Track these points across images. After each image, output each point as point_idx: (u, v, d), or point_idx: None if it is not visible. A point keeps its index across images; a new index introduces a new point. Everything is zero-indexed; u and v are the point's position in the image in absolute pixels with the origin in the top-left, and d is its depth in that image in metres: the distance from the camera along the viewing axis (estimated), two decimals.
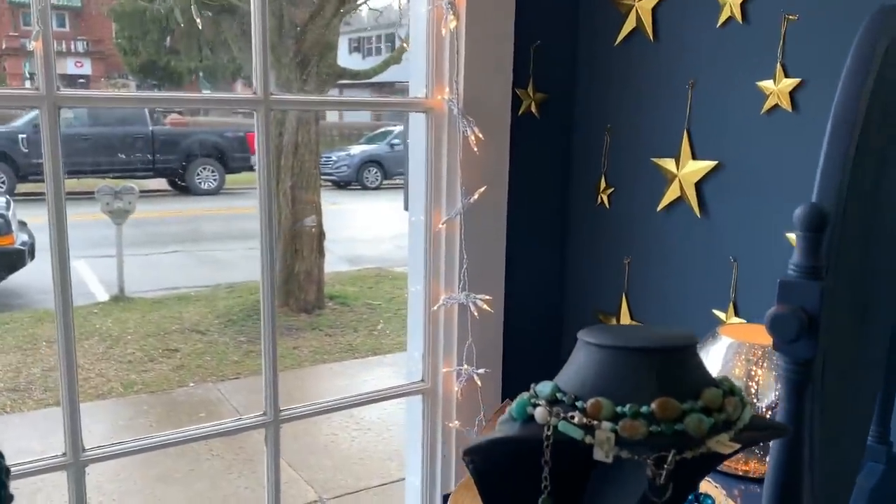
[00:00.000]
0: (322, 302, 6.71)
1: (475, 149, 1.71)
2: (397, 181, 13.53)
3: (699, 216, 1.67)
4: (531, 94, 1.86)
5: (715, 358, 1.21)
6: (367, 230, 10.11)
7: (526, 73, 1.85)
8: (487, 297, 1.72)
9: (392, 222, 10.31)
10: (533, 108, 1.87)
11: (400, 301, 6.87)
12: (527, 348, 1.98)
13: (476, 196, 1.72)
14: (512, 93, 1.82)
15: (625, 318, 1.86)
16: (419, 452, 1.92)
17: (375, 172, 13.59)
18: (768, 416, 1.14)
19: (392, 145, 13.79)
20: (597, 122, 1.89)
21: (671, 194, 1.72)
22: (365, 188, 13.45)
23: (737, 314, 1.63)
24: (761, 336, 1.29)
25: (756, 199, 1.58)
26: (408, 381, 1.92)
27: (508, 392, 1.92)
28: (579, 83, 1.93)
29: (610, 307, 1.90)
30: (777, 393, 1.13)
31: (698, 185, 1.67)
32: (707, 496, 0.93)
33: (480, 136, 1.70)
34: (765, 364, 1.15)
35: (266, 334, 1.62)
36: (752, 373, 1.15)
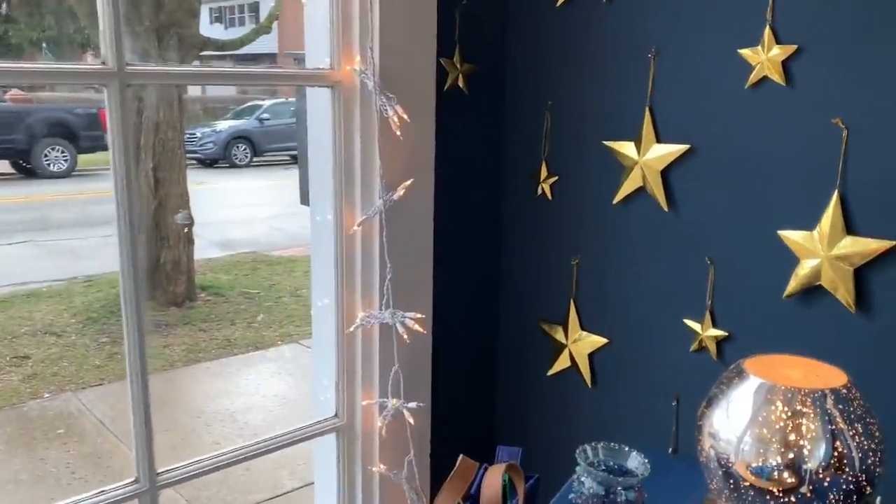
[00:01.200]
0: (193, 293, 6.16)
1: (398, 132, 1.37)
2: (268, 158, 12.86)
3: (666, 210, 1.41)
4: (458, 65, 1.53)
5: (743, 404, 0.95)
6: (239, 211, 9.48)
7: (451, 39, 1.52)
8: (419, 316, 1.40)
9: (266, 202, 9.73)
10: (461, 83, 1.54)
11: (280, 288, 6.42)
12: (459, 371, 1.67)
13: (401, 191, 1.38)
14: (437, 64, 1.48)
15: (573, 328, 1.58)
16: (334, 502, 1.58)
17: (244, 149, 12.85)
18: (823, 480, 0.89)
19: (261, 120, 13.07)
20: (536, 98, 1.59)
21: (630, 184, 1.45)
22: (234, 166, 12.69)
23: (714, 325, 1.39)
24: (800, 369, 1.04)
25: (738, 190, 1.33)
26: (317, 416, 1.57)
27: (441, 427, 1.61)
28: (514, 52, 1.62)
29: (555, 316, 1.62)
30: (828, 450, 0.89)
31: (665, 174, 1.41)
32: None
33: (405, 116, 1.36)
34: (814, 413, 0.90)
35: (134, 370, 1.23)
36: (794, 423, 0.90)
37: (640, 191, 1.44)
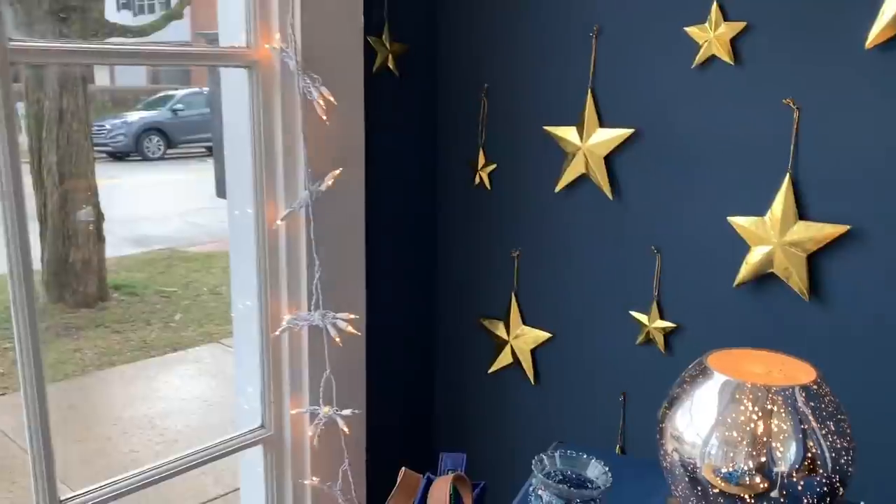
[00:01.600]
0: (105, 293, 5.86)
1: (324, 117, 1.25)
2: (183, 150, 12.39)
3: (611, 198, 1.35)
4: (387, 45, 1.43)
5: (707, 404, 0.88)
6: (153, 206, 9.09)
7: (380, 16, 1.41)
8: (351, 317, 1.29)
9: (182, 196, 9.36)
10: (390, 63, 1.43)
11: (199, 286, 6.17)
12: (396, 373, 1.57)
13: (329, 181, 1.26)
14: (364, 43, 1.37)
15: (515, 323, 1.50)
16: None
17: (157, 141, 12.34)
18: (797, 483, 0.83)
19: (175, 111, 12.57)
20: (470, 81, 1.49)
21: (573, 171, 1.37)
22: (147, 159, 12.17)
23: (662, 316, 1.33)
24: (764, 363, 0.98)
25: (685, 176, 1.27)
26: (242, 427, 1.44)
27: (378, 434, 1.51)
28: (446, 31, 1.52)
29: (496, 311, 1.53)
30: (799, 451, 0.83)
31: (609, 160, 1.34)
32: None
33: (331, 98, 1.24)
34: (785, 411, 0.84)
35: (28, 382, 1.09)
36: (764, 423, 0.83)
37: (583, 178, 1.37)
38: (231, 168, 1.39)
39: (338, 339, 1.29)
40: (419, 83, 1.51)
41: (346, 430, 1.33)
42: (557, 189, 1.39)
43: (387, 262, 1.50)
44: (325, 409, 1.35)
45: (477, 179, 1.50)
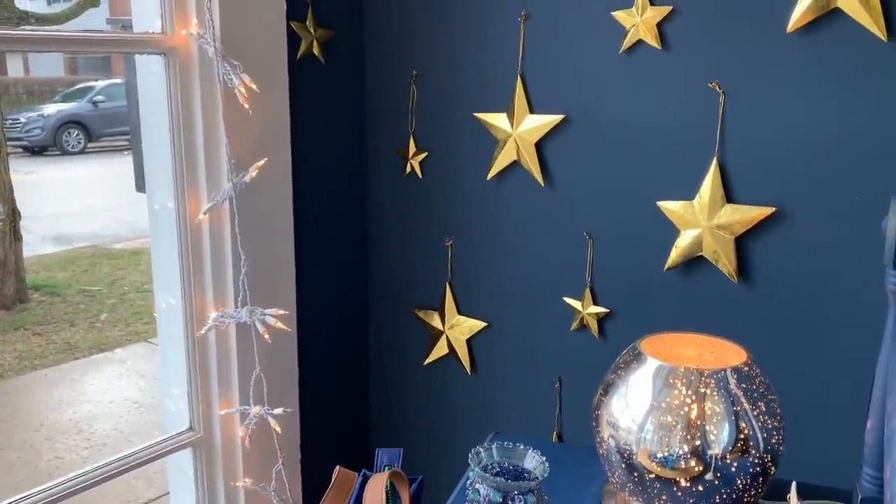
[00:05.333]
0: (24, 294, 5.61)
1: (246, 105, 1.20)
2: (105, 144, 11.94)
3: (542, 184, 1.34)
4: (312, 30, 1.38)
5: (642, 389, 0.88)
6: (74, 202, 8.74)
7: (303, 1, 1.36)
8: (281, 312, 1.25)
9: (104, 191, 9.03)
10: (315, 50, 1.39)
11: (125, 284, 5.97)
12: (329, 369, 1.54)
13: (253, 172, 1.22)
14: (287, 28, 1.32)
15: (450, 313, 1.49)
16: None
17: (77, 135, 11.85)
18: (731, 465, 0.83)
19: (95, 103, 12.09)
20: (399, 67, 1.46)
21: (504, 158, 1.36)
22: (66, 153, 11.69)
23: (595, 302, 1.33)
24: (696, 347, 0.98)
25: (615, 161, 1.27)
26: (170, 430, 1.38)
27: (311, 433, 1.47)
28: (372, 16, 1.48)
29: (430, 301, 1.51)
30: (732, 433, 0.83)
31: (539, 146, 1.33)
32: None
33: (253, 86, 1.19)
34: (718, 394, 0.84)
35: None
36: (698, 407, 0.84)
37: (515, 165, 1.36)
38: (149, 160, 1.32)
39: (267, 336, 1.24)
40: (346, 70, 1.47)
41: (278, 429, 1.29)
42: (489, 176, 1.38)
43: (317, 255, 1.46)
44: (255, 409, 1.30)
45: (408, 168, 1.47)
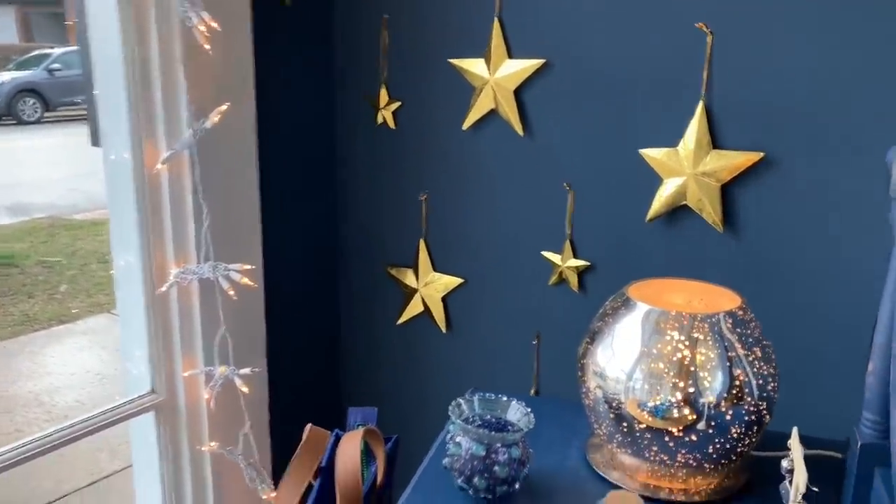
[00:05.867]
0: None
1: (206, 46, 1.12)
2: (63, 112, 11.61)
3: (521, 134, 1.28)
4: None
5: (631, 336, 0.83)
6: (31, 172, 8.48)
7: None
8: (246, 268, 1.18)
9: (63, 161, 8.78)
10: None
11: (85, 255, 5.82)
12: (298, 328, 1.48)
13: (215, 118, 1.14)
14: None
15: (424, 270, 1.43)
16: (158, 490, 1.35)
17: (33, 104, 11.51)
18: (725, 413, 0.80)
19: (51, 71, 11.73)
20: (369, 10, 1.39)
21: (481, 107, 1.30)
22: (21, 122, 11.35)
23: (575, 255, 1.29)
24: (685, 293, 0.94)
25: (597, 107, 1.22)
26: (131, 394, 1.31)
27: (281, 394, 1.41)
28: None
29: (404, 258, 1.46)
30: (726, 380, 0.79)
31: (518, 93, 1.27)
32: None
33: (213, 24, 1.11)
34: (711, 339, 0.80)
35: None
36: (690, 353, 0.79)
37: (492, 114, 1.30)
38: (104, 108, 1.24)
39: (232, 293, 1.18)
40: (313, 12, 1.39)
41: (245, 390, 1.22)
42: (465, 126, 1.32)
43: (284, 209, 1.39)
44: (221, 370, 1.24)
45: (380, 118, 1.40)
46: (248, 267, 1.19)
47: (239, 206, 1.28)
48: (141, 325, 1.27)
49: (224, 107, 1.15)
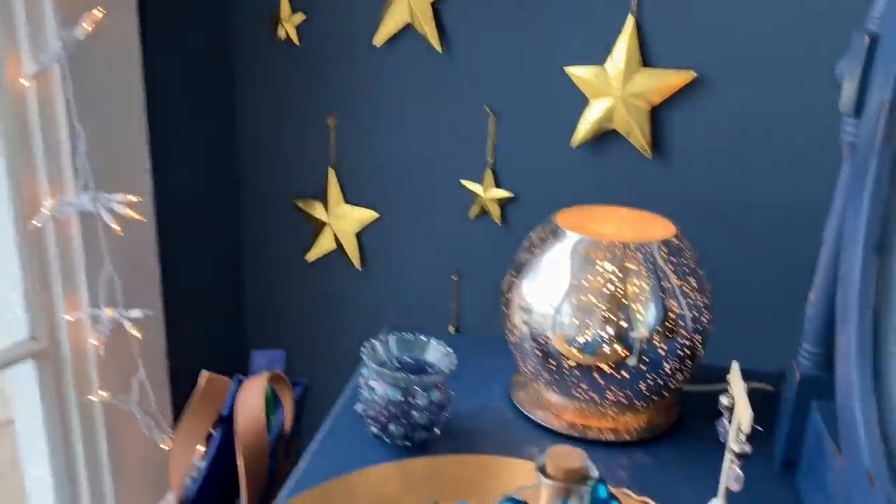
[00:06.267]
0: None
1: None
2: None
3: (439, 51, 1.18)
4: None
5: (559, 268, 0.76)
6: None
7: None
8: (132, 199, 1.05)
9: None
10: None
11: None
12: (197, 265, 1.35)
13: (88, 26, 0.99)
14: None
15: (335, 203, 1.33)
16: (44, 444, 1.23)
17: None
18: (658, 347, 0.74)
19: None
20: None
21: (394, 20, 1.18)
22: None
23: (497, 185, 1.21)
24: (616, 221, 0.88)
25: (521, 21, 1.13)
26: (7, 341, 1.18)
27: (180, 338, 1.30)
28: None
29: (312, 189, 1.34)
30: (660, 312, 0.74)
31: (436, 6, 1.16)
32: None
33: None
34: (644, 270, 0.74)
35: None
36: (623, 285, 0.73)
37: (408, 28, 1.18)
38: None
39: (116, 227, 1.05)
40: None
41: (136, 334, 1.11)
42: (377, 42, 1.20)
43: (175, 133, 1.25)
44: (108, 313, 1.11)
45: (281, 33, 1.27)
46: (134, 198, 1.06)
47: (122, 130, 1.14)
48: (13, 264, 1.13)
49: (97, 12, 1.00)
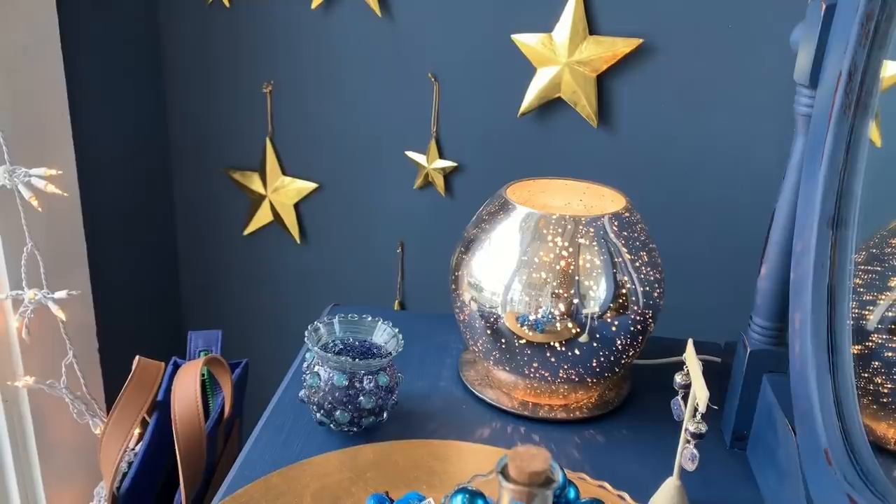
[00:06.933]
0: None
1: None
2: None
3: (379, 14, 1.13)
4: None
5: (509, 243, 0.74)
6: None
7: None
8: (53, 172, 0.98)
9: None
10: None
11: None
12: (127, 242, 1.29)
13: None
14: None
15: (273, 175, 1.27)
16: None
17: None
18: (610, 324, 0.73)
19: None
20: None
21: None
22: None
23: (441, 156, 1.18)
24: (566, 196, 0.85)
25: None
26: None
27: (111, 319, 1.24)
28: None
29: (248, 161, 1.29)
30: (611, 288, 0.72)
31: None
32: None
33: None
34: (596, 244, 0.72)
35: None
36: (573, 260, 0.71)
37: None
38: None
39: (36, 203, 0.98)
40: None
41: (62, 316, 1.05)
42: (314, 4, 1.14)
43: (99, 102, 1.18)
44: (31, 294, 1.05)
45: None
46: (55, 172, 0.99)
47: (40, 97, 1.06)
48: None
49: None
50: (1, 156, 0.97)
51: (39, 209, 0.99)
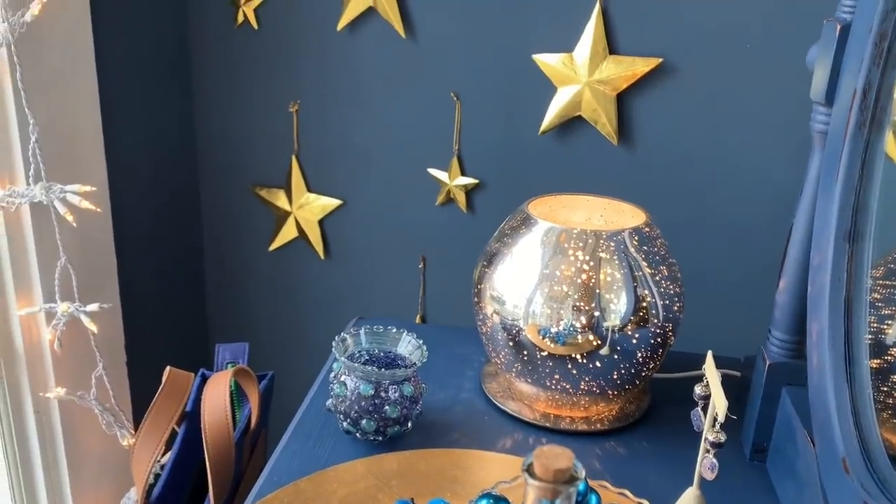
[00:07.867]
0: None
1: None
2: None
3: (403, 35, 1.16)
4: None
5: (531, 257, 0.75)
6: None
7: None
8: (87, 189, 1.01)
9: None
10: None
11: None
12: (155, 257, 1.32)
13: (35, 8, 0.95)
14: None
15: (298, 191, 1.30)
16: None
17: None
18: (631, 337, 0.74)
19: None
20: None
21: (358, 4, 1.16)
22: None
23: (463, 173, 1.20)
24: (587, 211, 0.87)
25: (488, 7, 1.11)
26: None
27: (139, 331, 1.26)
28: None
29: (274, 178, 1.32)
30: (632, 301, 0.73)
31: None
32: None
33: None
34: (616, 258, 0.73)
35: None
36: (595, 274, 0.73)
37: (370, 12, 1.16)
38: None
39: (70, 218, 1.01)
40: None
41: (94, 329, 1.08)
42: (340, 26, 1.18)
43: (131, 120, 1.21)
44: (63, 307, 1.08)
45: (240, 17, 1.23)
46: (89, 188, 1.02)
47: (75, 117, 1.10)
48: None
49: None
50: (38, 173, 1.01)
51: (74, 224, 1.02)
